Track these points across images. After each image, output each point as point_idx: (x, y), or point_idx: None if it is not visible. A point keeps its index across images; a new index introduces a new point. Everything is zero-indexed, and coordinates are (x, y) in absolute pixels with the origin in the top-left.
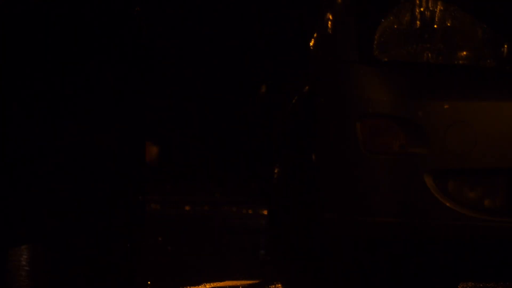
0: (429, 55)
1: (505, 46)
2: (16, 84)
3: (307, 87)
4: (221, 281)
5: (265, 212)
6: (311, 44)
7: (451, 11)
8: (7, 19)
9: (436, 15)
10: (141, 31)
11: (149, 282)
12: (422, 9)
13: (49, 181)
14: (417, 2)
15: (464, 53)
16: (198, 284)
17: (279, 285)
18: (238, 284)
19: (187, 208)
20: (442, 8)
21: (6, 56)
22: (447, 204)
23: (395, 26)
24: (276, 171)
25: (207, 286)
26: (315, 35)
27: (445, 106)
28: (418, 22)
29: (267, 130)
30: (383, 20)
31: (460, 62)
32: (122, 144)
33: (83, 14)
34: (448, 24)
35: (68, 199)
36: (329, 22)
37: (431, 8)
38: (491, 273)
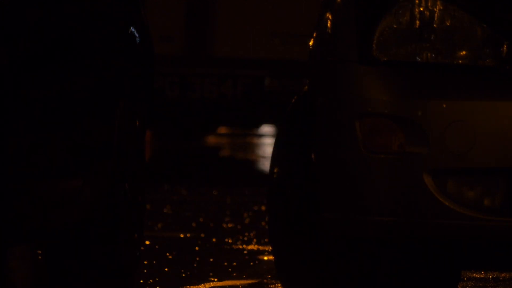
0: (429, 54)
1: (505, 45)
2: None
3: (307, 87)
4: (220, 280)
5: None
6: (311, 44)
7: (450, 11)
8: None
9: (436, 14)
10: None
11: (149, 282)
12: (421, 8)
13: (47, 180)
14: (417, 1)
15: (464, 52)
16: (198, 284)
17: (279, 285)
18: (238, 284)
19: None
20: (441, 7)
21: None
22: (446, 204)
23: (395, 26)
24: (276, 170)
25: (206, 286)
26: (314, 34)
27: (444, 106)
28: (417, 22)
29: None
30: (382, 20)
31: (460, 61)
32: (121, 142)
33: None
34: (448, 24)
35: (67, 199)
36: (329, 22)
37: (430, 8)
38: (490, 272)
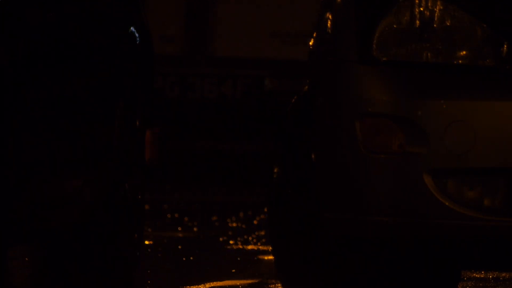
0: (429, 54)
1: (505, 45)
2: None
3: (307, 87)
4: (220, 280)
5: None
6: (311, 43)
7: (450, 11)
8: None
9: (436, 14)
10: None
11: (149, 282)
12: (421, 8)
13: (47, 180)
14: (417, 1)
15: (463, 52)
16: (198, 284)
17: (279, 285)
18: (238, 283)
19: (187, 207)
20: (441, 7)
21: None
22: (446, 204)
23: (395, 26)
24: (276, 171)
25: (207, 285)
26: (314, 34)
27: (444, 106)
28: (417, 22)
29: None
30: (382, 20)
31: (459, 61)
32: (121, 142)
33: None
34: (448, 24)
35: (67, 199)
36: (329, 22)
37: (430, 8)
38: (490, 272)
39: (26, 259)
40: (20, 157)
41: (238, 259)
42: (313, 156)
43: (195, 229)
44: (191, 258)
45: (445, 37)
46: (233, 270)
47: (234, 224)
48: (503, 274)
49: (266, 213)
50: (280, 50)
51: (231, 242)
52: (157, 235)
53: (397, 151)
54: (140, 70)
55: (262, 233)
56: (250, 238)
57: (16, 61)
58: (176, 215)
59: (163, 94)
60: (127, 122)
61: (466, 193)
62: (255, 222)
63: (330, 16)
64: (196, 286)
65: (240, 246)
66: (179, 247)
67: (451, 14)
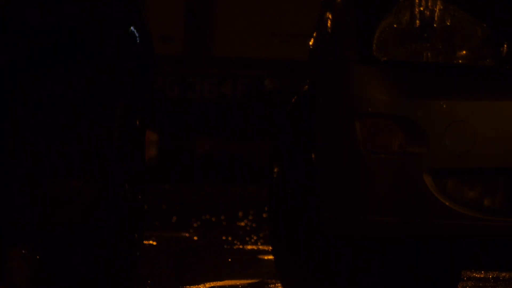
0: (429, 54)
1: (505, 45)
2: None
3: (307, 87)
4: (220, 280)
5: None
6: (311, 43)
7: (450, 11)
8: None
9: (436, 14)
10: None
11: (148, 282)
12: (421, 8)
13: (47, 180)
14: (417, 1)
15: (464, 52)
16: (198, 284)
17: (279, 285)
18: (237, 283)
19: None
20: (441, 7)
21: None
22: (446, 204)
23: (395, 26)
24: (276, 170)
25: (207, 285)
26: (314, 34)
27: (444, 106)
28: (417, 22)
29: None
30: (382, 20)
31: (460, 61)
32: (121, 142)
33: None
34: (448, 24)
35: (67, 199)
36: (329, 22)
37: (430, 8)
38: (490, 272)
39: (26, 259)
40: (20, 157)
41: (238, 259)
42: (313, 156)
43: (195, 229)
44: (191, 258)
45: (445, 37)
46: (233, 270)
47: (234, 224)
48: (503, 274)
49: (266, 212)
50: (280, 50)
51: (231, 242)
52: (157, 235)
53: (397, 151)
54: (140, 70)
55: (262, 233)
56: (250, 238)
57: (16, 61)
58: (176, 215)
59: (163, 94)
60: (127, 122)
61: (466, 193)
62: (254, 222)
63: (330, 16)
64: (196, 286)
65: (240, 246)
66: (179, 247)
67: (451, 14)
